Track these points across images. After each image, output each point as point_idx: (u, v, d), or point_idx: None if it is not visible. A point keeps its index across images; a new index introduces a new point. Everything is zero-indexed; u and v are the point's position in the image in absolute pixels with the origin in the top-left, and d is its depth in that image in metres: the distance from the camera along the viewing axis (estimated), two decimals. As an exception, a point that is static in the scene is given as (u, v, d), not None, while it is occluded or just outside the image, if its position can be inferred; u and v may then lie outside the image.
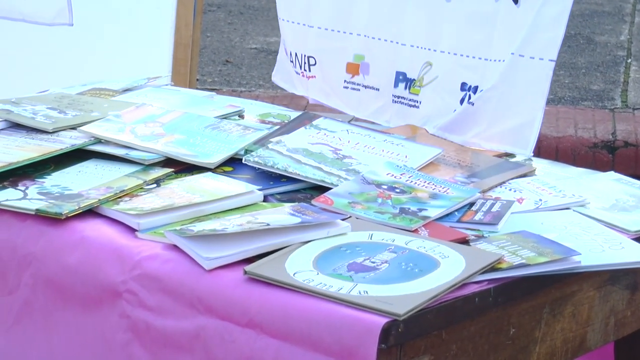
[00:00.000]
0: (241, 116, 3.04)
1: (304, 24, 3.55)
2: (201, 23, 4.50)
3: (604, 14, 9.06)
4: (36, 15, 4.02)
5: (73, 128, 2.75)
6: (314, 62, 3.55)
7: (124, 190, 2.41)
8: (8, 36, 4.25)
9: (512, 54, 3.04)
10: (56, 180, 2.48)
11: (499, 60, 3.09)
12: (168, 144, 2.66)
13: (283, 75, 3.64)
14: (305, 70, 3.57)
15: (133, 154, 2.59)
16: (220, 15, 8.87)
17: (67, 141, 2.66)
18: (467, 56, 3.18)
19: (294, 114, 3.10)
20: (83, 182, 2.47)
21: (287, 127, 2.90)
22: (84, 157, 2.62)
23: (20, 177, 2.48)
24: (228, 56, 7.74)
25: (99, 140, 2.67)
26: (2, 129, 2.76)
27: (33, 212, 2.32)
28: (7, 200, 2.37)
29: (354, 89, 3.45)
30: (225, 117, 2.96)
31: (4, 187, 2.43)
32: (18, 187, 2.43)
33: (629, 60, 7.74)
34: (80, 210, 2.32)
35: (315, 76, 3.55)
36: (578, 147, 5.99)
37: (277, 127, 2.90)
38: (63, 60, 4.27)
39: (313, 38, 3.53)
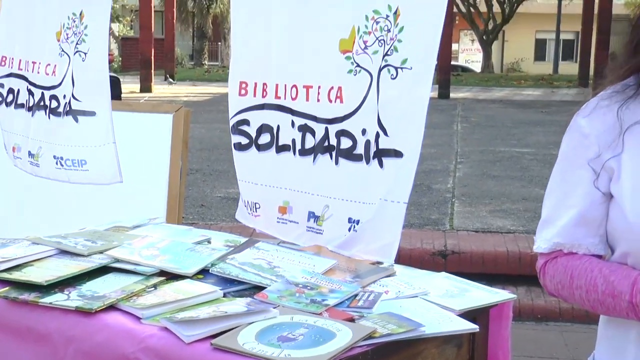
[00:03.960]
0: (209, 242, 3.03)
1: (254, 183, 3.55)
2: (185, 181, 4.51)
3: (437, 171, 9.21)
4: (99, 179, 4.00)
5: (101, 252, 2.73)
6: (259, 206, 3.55)
7: (133, 292, 2.38)
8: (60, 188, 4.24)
9: (380, 199, 3.06)
10: (89, 287, 2.45)
11: (372, 203, 3.10)
12: (162, 261, 2.64)
13: (242, 214, 3.64)
14: (253, 211, 3.57)
15: (139, 269, 2.57)
16: (197, 176, 8.89)
17: (97, 261, 2.63)
18: (351, 201, 3.19)
19: (244, 239, 3.10)
20: (106, 287, 2.44)
21: (239, 248, 2.90)
22: (108, 271, 2.59)
23: (66, 285, 2.45)
24: (202, 202, 7.73)
25: (117, 260, 2.65)
26: (55, 254, 2.73)
27: (74, 308, 2.30)
28: (57, 300, 2.34)
29: (283, 223, 3.45)
30: (199, 243, 2.95)
31: (55, 292, 2.40)
32: (64, 292, 2.40)
33: (453, 200, 7.84)
34: (105, 306, 2.30)
35: (260, 215, 3.55)
36: (423, 255, 6.03)
37: (233, 248, 2.90)
38: (95, 203, 4.27)
39: (259, 192, 3.54)
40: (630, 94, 1.69)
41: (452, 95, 19.69)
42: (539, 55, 44.94)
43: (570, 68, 34.88)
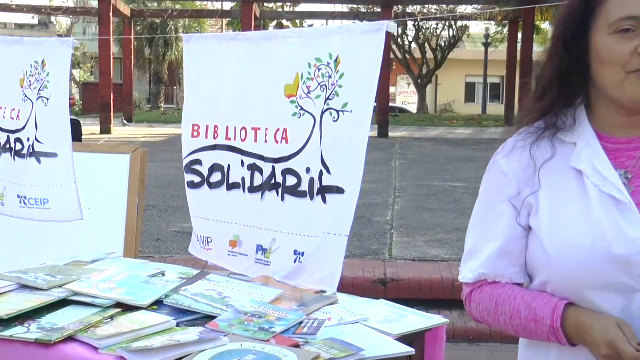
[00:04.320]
0: (164, 274, 2.99)
1: (206, 219, 3.53)
2: (142, 217, 4.46)
3: (377, 205, 9.25)
4: (61, 217, 3.96)
5: (60, 286, 2.67)
6: (211, 240, 3.52)
7: (91, 324, 2.33)
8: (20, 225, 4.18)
9: (324, 232, 3.06)
10: (48, 319, 2.40)
11: (316, 236, 3.10)
12: (118, 294, 2.60)
13: (195, 248, 3.61)
14: (206, 245, 3.54)
15: (97, 301, 2.52)
16: (154, 211, 8.80)
17: (56, 295, 2.58)
18: (297, 234, 3.19)
19: (197, 272, 3.07)
20: (65, 319, 2.39)
21: (192, 280, 2.87)
22: (67, 304, 2.54)
23: (26, 318, 2.39)
24: (159, 236, 7.64)
25: (76, 293, 2.60)
26: (16, 289, 2.67)
27: (33, 340, 2.24)
28: (17, 333, 2.28)
29: (234, 255, 3.43)
30: (154, 275, 2.91)
31: (15, 325, 2.33)
32: (24, 325, 2.34)
33: (392, 231, 7.88)
34: (64, 337, 2.24)
35: (212, 248, 3.53)
36: (365, 283, 6.03)
37: (186, 280, 2.86)
38: (56, 240, 4.21)
39: (211, 227, 3.52)
40: (539, 134, 1.74)
41: (390, 134, 19.87)
42: (469, 97, 45.60)
43: (497, 109, 35.48)
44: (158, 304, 2.56)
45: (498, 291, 1.75)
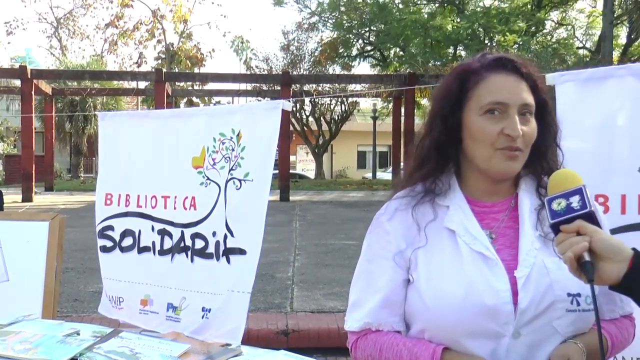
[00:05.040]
0: (78, 334, 2.88)
1: (118, 280, 3.46)
2: (60, 279, 4.31)
3: (279, 262, 9.22)
4: None
5: (-23, 349, 2.54)
6: (122, 300, 3.44)
7: (7, 383, 2.23)
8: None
9: (228, 290, 3.04)
10: (-34, 381, 2.28)
11: (221, 294, 3.08)
12: (34, 354, 2.49)
13: (105, 307, 3.51)
14: (117, 304, 3.46)
15: (13, 362, 2.42)
16: (72, 273, 8.52)
17: (-27, 357, 2.46)
18: (204, 292, 3.16)
19: (109, 330, 2.98)
20: (-18, 380, 2.28)
21: (105, 338, 2.77)
22: (-16, 365, 2.42)
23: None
24: (76, 297, 7.39)
25: (-7, 355, 2.48)
26: None
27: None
28: None
29: (144, 313, 3.36)
30: (69, 335, 2.80)
31: None
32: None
33: (293, 286, 7.85)
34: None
35: (123, 308, 3.45)
36: (268, 335, 5.96)
37: (99, 338, 2.77)
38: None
39: (123, 287, 3.45)
40: (419, 198, 1.80)
41: (291, 198, 19.93)
42: (361, 164, 46.42)
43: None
44: (73, 362, 2.47)
45: (382, 338, 1.77)
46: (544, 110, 1.77)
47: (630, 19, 20.41)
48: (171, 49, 37.57)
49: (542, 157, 1.77)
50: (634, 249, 1.47)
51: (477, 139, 1.72)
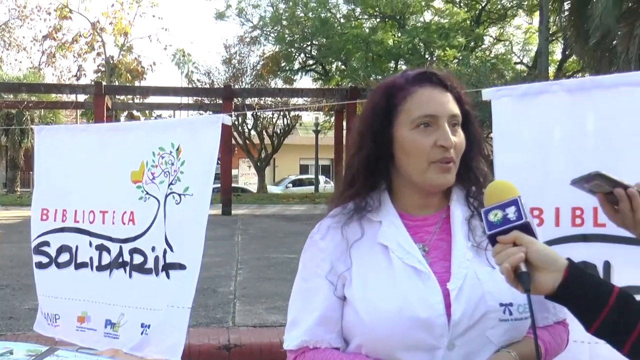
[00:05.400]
0: (12, 353, 2.81)
1: (54, 297, 3.39)
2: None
3: (221, 277, 9.16)
4: None
5: None
6: (58, 317, 3.38)
7: (-64, 406, 2.16)
8: None
9: (167, 305, 3.01)
10: None
11: (161, 309, 3.05)
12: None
13: (41, 325, 3.44)
14: (53, 322, 3.39)
15: (-56, 383, 2.35)
16: (8, 290, 8.32)
17: None
18: (143, 308, 3.12)
19: (44, 348, 2.91)
20: None
21: (40, 357, 2.71)
22: None
23: None
24: (11, 314, 7.21)
25: None
26: None
27: None
28: None
29: (82, 330, 3.30)
30: (2, 355, 2.73)
31: None
32: None
33: (235, 300, 7.81)
34: None
35: (59, 325, 3.38)
36: (210, 350, 5.90)
37: (34, 357, 2.71)
38: None
39: (59, 304, 3.39)
40: (350, 215, 1.81)
41: (233, 212, 19.81)
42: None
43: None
44: (6, 382, 2.41)
45: (319, 356, 1.77)
46: (468, 121, 1.81)
47: (565, 35, 20.97)
48: (111, 61, 37.09)
49: (469, 168, 1.81)
50: (568, 259, 1.51)
51: (410, 154, 1.73)
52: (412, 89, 1.75)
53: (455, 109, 1.75)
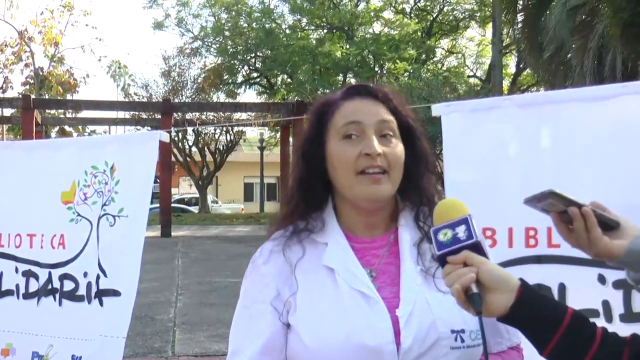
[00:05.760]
0: None
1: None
2: None
3: (160, 303, 9.06)
4: None
5: None
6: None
7: None
8: None
9: (100, 335, 2.97)
10: None
11: (93, 339, 3.00)
12: None
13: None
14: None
15: None
16: None
17: None
18: (74, 338, 3.07)
19: (-33, 384, 2.84)
20: None
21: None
22: None
23: None
24: None
25: None
26: None
27: None
28: None
29: (6, 365, 3.22)
30: None
31: None
32: None
33: (175, 328, 7.74)
34: None
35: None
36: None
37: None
38: None
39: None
40: (290, 236, 1.81)
41: (173, 233, 19.65)
42: (248, 196, 46.30)
43: (274, 207, 36.27)
44: None
45: (263, 387, 1.75)
46: (412, 134, 1.81)
47: (519, 48, 21.42)
48: (41, 73, 36.45)
49: (416, 186, 1.81)
50: (521, 279, 1.53)
51: (338, 167, 1.75)
52: (341, 103, 1.78)
53: (385, 115, 1.76)
